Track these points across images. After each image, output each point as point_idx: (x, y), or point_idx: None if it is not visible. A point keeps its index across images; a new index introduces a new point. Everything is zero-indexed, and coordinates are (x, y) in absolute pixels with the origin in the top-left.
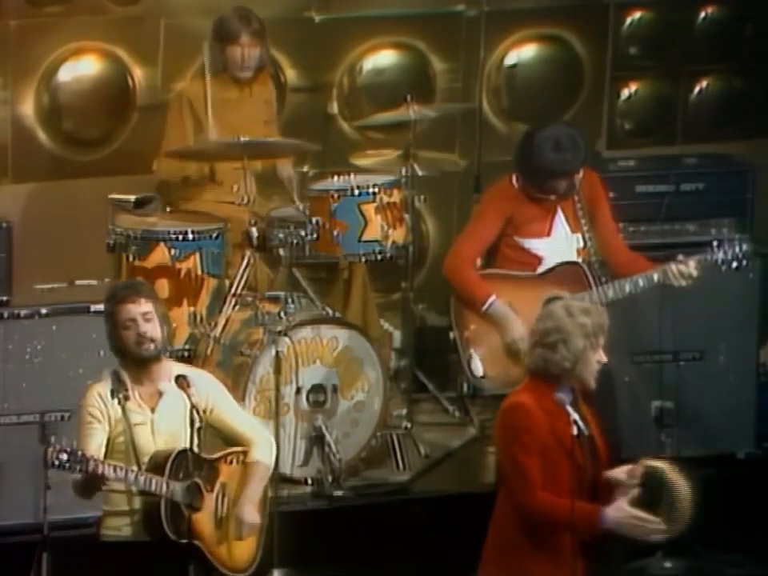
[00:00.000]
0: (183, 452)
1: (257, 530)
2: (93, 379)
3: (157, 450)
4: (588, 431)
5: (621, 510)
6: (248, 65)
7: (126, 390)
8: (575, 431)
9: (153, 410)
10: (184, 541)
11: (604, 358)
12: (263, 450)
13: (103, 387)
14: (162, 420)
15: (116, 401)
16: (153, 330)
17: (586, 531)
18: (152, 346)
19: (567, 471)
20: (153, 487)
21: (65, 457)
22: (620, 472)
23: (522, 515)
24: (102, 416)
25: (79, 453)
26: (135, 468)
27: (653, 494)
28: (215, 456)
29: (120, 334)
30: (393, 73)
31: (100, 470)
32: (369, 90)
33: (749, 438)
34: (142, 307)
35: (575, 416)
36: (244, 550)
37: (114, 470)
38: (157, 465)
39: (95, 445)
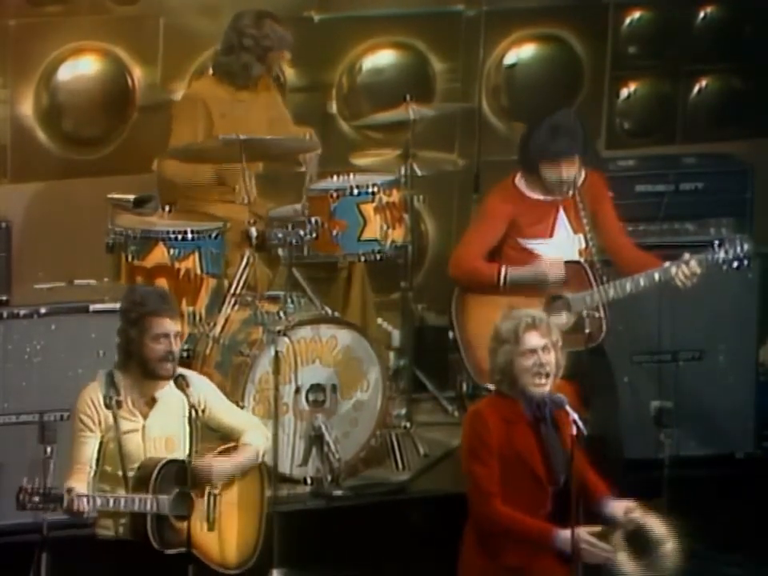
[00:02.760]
0: (169, 462)
1: (208, 481)
2: (91, 379)
3: (144, 460)
4: (558, 439)
5: (578, 534)
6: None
7: (119, 396)
8: (574, 431)
9: (145, 417)
10: (173, 551)
11: (542, 360)
12: (254, 436)
13: (96, 391)
14: (153, 426)
15: (107, 407)
16: (178, 350)
17: (539, 545)
18: (171, 367)
19: (526, 485)
20: (137, 507)
21: (37, 499)
22: (618, 508)
23: (476, 524)
24: (93, 424)
25: (52, 492)
26: (115, 494)
27: (641, 543)
28: None
29: (147, 344)
30: (392, 72)
31: (75, 506)
32: (368, 90)
33: (748, 437)
34: (177, 325)
35: (574, 415)
36: (239, 547)
37: (93, 501)
38: (143, 476)
39: (87, 454)
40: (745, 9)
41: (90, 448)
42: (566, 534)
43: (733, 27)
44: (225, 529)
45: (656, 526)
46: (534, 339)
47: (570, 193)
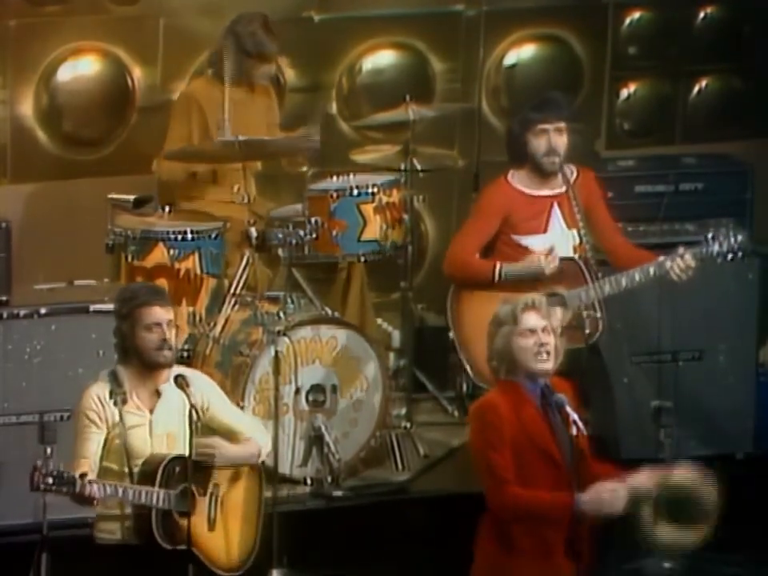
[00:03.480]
0: (174, 459)
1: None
2: (92, 379)
3: (149, 457)
4: (564, 427)
5: (594, 489)
6: (268, 75)
7: (124, 392)
8: (574, 431)
9: (151, 412)
10: (178, 547)
11: (545, 339)
12: (259, 437)
13: (101, 389)
14: (159, 421)
15: (114, 403)
16: (173, 338)
17: (562, 518)
18: (169, 354)
19: (542, 468)
20: (143, 499)
21: (50, 480)
22: (641, 478)
23: (496, 515)
24: (99, 420)
25: (65, 474)
26: (124, 484)
27: (680, 503)
28: None
29: (140, 335)
30: (392, 73)
31: (87, 491)
32: (368, 90)
33: (748, 438)
34: (168, 314)
35: (574, 416)
36: (239, 547)
37: (103, 489)
38: (148, 472)
39: (92, 449)
40: (745, 9)
41: (94, 444)
42: (587, 494)
43: (733, 27)
44: (225, 529)
45: (687, 476)
46: (532, 319)
47: (559, 185)
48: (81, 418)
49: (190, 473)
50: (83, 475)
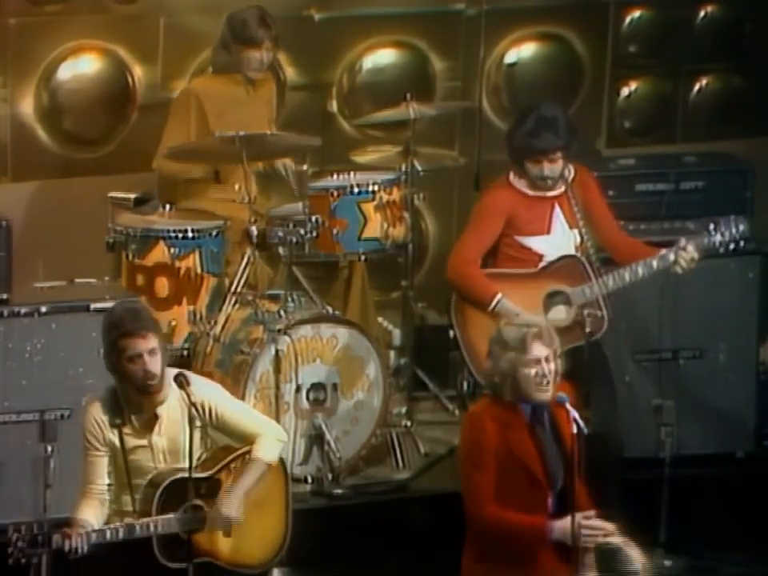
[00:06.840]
0: (175, 481)
1: (235, 525)
2: (92, 378)
3: (152, 478)
4: (555, 441)
5: (569, 521)
6: (264, 67)
7: (123, 415)
8: (575, 429)
9: (151, 433)
10: (184, 565)
11: (545, 370)
12: (266, 446)
13: (99, 411)
14: (160, 440)
15: (112, 426)
16: (156, 365)
17: (536, 541)
18: (155, 380)
19: (525, 488)
20: (139, 533)
21: (23, 545)
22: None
23: (472, 526)
24: (99, 443)
25: (39, 538)
26: (115, 525)
27: (607, 562)
28: (214, 470)
29: (124, 365)
30: (392, 71)
31: (67, 547)
32: (368, 89)
33: (748, 436)
34: (149, 343)
35: (575, 414)
36: (267, 541)
37: (86, 539)
38: (149, 496)
39: (98, 472)
40: (745, 7)
41: (98, 467)
42: (561, 524)
43: (733, 26)
44: (246, 529)
45: (631, 550)
46: (539, 349)
47: (558, 187)
48: (83, 436)
49: (187, 494)
50: (64, 533)
